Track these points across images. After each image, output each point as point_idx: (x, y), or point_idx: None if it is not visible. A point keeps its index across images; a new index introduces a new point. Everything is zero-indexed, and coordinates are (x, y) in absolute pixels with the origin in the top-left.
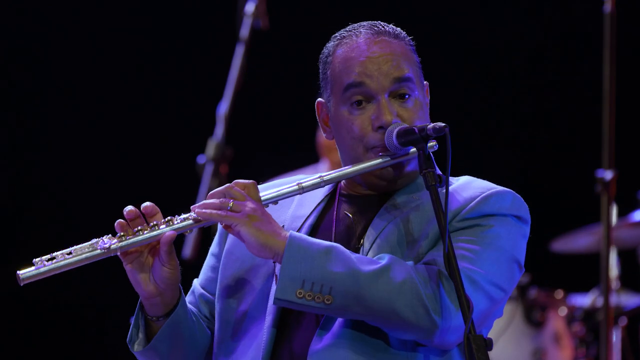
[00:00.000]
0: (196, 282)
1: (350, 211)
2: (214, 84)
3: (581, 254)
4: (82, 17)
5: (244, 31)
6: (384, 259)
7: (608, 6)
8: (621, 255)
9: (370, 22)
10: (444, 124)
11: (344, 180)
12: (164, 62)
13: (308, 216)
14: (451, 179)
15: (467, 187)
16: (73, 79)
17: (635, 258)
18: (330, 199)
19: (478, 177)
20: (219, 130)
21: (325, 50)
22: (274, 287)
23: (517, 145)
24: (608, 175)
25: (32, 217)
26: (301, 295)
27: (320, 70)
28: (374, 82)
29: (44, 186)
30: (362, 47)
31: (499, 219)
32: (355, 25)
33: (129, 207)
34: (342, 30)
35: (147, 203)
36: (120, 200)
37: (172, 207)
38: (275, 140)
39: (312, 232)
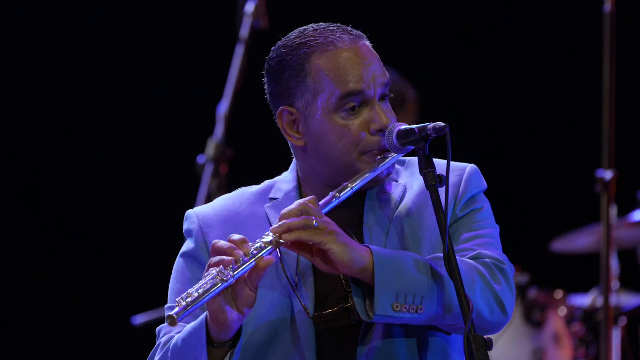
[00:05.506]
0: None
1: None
2: (214, 84)
3: (581, 254)
4: (81, 17)
5: (244, 31)
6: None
7: (608, 6)
8: (621, 255)
9: (335, 25)
10: (444, 124)
11: (307, 191)
12: (164, 62)
13: None
14: (404, 160)
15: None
16: (72, 79)
17: (635, 258)
18: None
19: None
20: (219, 130)
21: (291, 58)
22: (295, 302)
23: (517, 145)
24: (608, 175)
25: (31, 218)
26: (398, 309)
27: (287, 77)
28: (371, 88)
29: (41, 186)
30: (352, 54)
31: (480, 196)
32: (322, 30)
33: (234, 240)
34: (300, 35)
35: (239, 236)
36: (120, 200)
37: (172, 207)
38: (275, 140)
39: None
